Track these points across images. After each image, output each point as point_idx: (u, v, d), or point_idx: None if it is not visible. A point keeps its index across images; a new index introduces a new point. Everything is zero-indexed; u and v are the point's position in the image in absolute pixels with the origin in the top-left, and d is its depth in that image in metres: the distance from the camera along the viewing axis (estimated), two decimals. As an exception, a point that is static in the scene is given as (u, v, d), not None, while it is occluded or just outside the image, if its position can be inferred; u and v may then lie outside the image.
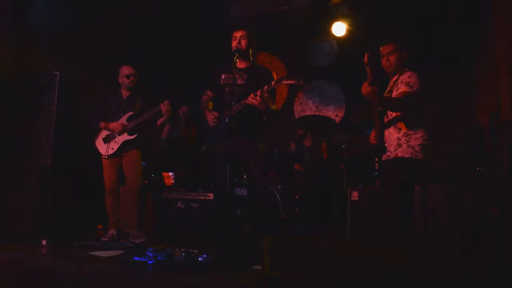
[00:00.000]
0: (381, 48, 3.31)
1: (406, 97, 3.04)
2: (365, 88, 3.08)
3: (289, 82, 3.25)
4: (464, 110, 5.21)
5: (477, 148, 4.44)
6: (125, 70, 4.30)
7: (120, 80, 4.32)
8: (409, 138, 3.09)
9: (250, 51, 3.52)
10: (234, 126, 3.27)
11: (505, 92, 3.76)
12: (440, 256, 2.02)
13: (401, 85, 3.12)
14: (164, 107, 4.04)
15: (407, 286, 1.94)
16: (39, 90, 4.10)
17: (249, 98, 3.26)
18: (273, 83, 3.29)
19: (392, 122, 3.19)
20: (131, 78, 4.28)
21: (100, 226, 4.63)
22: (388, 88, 3.32)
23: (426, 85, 3.13)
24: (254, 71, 3.52)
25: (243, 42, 3.44)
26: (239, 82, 3.45)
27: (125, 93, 4.33)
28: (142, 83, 4.47)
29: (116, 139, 4.17)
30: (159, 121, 4.20)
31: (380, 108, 3.24)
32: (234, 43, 3.44)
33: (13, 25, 4.42)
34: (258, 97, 3.23)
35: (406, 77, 3.14)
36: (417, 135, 3.09)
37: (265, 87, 3.28)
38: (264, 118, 3.49)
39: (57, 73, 4.07)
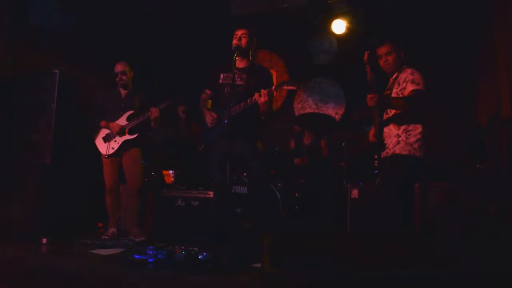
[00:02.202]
0: (377, 49, 3.31)
1: (417, 94, 3.04)
2: (371, 98, 3.07)
3: (289, 87, 3.26)
4: (464, 108, 5.21)
5: (477, 145, 4.44)
6: (115, 67, 4.29)
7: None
8: (409, 134, 3.08)
9: (250, 51, 3.51)
10: (233, 127, 3.26)
11: (505, 90, 3.77)
12: (440, 254, 2.03)
13: (405, 83, 3.11)
14: (152, 114, 4.03)
15: (407, 283, 1.94)
16: (38, 89, 4.09)
17: (256, 96, 3.23)
18: (273, 88, 3.27)
19: (392, 119, 3.20)
20: (119, 76, 4.25)
21: (100, 225, 4.64)
22: (388, 86, 3.32)
23: (427, 80, 3.13)
24: (253, 71, 3.50)
25: (244, 41, 3.43)
26: (238, 82, 3.43)
27: (123, 91, 4.32)
28: (141, 81, 4.46)
29: (116, 139, 4.16)
30: (152, 124, 4.17)
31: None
32: (234, 41, 3.44)
33: (12, 24, 4.42)
34: (266, 96, 3.21)
35: (408, 74, 3.13)
36: (416, 131, 3.09)
37: (266, 91, 3.24)
38: (263, 117, 3.48)
39: (57, 71, 4.06)
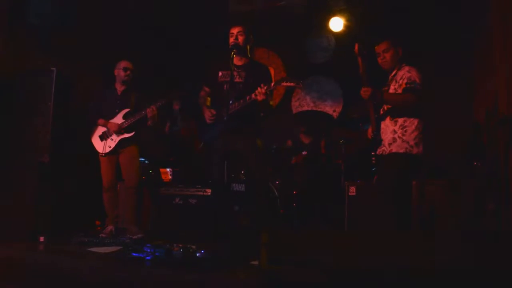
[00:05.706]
0: (376, 47, 3.31)
1: (411, 91, 3.05)
2: (365, 92, 3.08)
3: (288, 84, 3.24)
4: (462, 106, 5.21)
5: (475, 143, 4.45)
6: (123, 63, 4.27)
7: (116, 73, 4.28)
8: (405, 131, 3.09)
9: (248, 48, 3.52)
10: (232, 123, 3.26)
11: (502, 88, 3.77)
12: (438, 251, 2.03)
13: (402, 80, 3.13)
14: (150, 112, 4.02)
15: (405, 280, 1.95)
16: (36, 87, 4.08)
17: (257, 92, 3.23)
18: (272, 85, 3.27)
19: (388, 114, 3.20)
20: (128, 72, 4.24)
21: (98, 223, 4.63)
22: (387, 82, 3.32)
23: (425, 78, 3.13)
24: (252, 69, 3.51)
25: (240, 38, 3.44)
26: (237, 80, 3.44)
27: (119, 88, 4.30)
28: (137, 80, 4.45)
29: (113, 137, 4.15)
30: (149, 123, 4.17)
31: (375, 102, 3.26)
32: (231, 40, 3.44)
33: (10, 23, 4.39)
34: (263, 91, 3.21)
35: (405, 71, 3.15)
36: (413, 127, 3.09)
37: (263, 90, 3.24)
38: (262, 114, 3.48)
39: (54, 69, 4.05)
